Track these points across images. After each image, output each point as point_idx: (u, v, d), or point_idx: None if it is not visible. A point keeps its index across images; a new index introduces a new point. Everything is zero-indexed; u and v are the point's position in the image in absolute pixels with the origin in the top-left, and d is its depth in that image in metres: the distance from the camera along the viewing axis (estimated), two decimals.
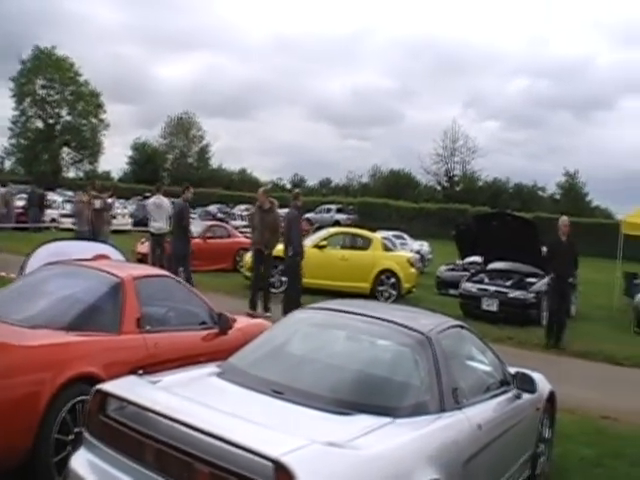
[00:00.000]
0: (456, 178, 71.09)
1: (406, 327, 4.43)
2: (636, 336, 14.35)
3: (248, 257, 15.49)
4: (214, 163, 78.96)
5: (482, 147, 71.42)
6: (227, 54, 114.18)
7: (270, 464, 2.91)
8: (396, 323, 4.49)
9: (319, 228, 19.74)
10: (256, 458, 2.95)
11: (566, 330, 12.45)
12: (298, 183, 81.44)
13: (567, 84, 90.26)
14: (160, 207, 14.75)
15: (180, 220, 13.32)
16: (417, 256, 21.95)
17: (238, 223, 31.66)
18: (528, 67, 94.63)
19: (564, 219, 12.69)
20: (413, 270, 16.70)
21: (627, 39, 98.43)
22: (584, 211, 60.18)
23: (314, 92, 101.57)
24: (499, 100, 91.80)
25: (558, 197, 70.08)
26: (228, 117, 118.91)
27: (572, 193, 69.12)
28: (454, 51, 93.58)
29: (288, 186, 79.81)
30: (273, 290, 14.88)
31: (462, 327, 5.09)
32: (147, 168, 71.92)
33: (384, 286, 15.69)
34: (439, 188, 70.93)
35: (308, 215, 45.83)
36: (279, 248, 13.15)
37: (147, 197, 25.20)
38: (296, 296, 12.59)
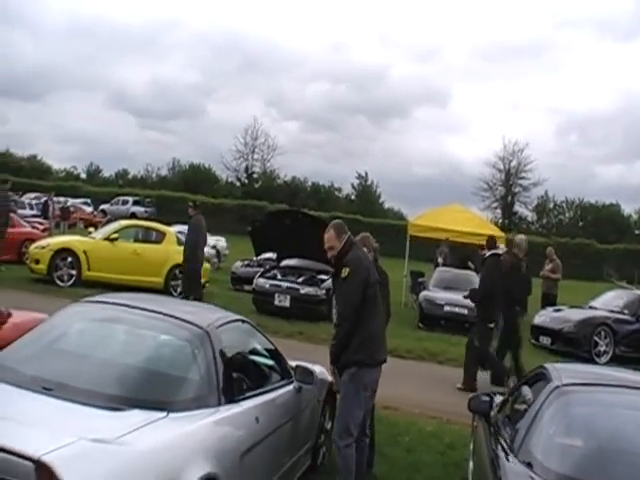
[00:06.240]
0: (255, 175, 71.75)
1: (185, 321, 4.40)
2: (419, 330, 15.23)
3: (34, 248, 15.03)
4: (1, 147, 73.75)
5: (282, 146, 72.54)
6: (20, 32, 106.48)
7: (31, 464, 2.78)
8: (176, 317, 4.45)
9: (110, 221, 19.07)
10: (17, 459, 2.80)
11: None
12: (93, 172, 78.45)
13: (365, 91, 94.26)
14: None
15: None
16: (213, 251, 21.94)
17: (27, 212, 29.89)
18: (328, 72, 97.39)
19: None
20: (207, 265, 16.61)
21: (420, 54, 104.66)
22: (377, 212, 63.08)
23: (114, 80, 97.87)
24: (300, 102, 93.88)
25: (353, 198, 72.85)
26: (19, 99, 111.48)
27: (365, 195, 72.17)
28: (258, 51, 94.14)
29: (83, 175, 76.59)
30: (61, 284, 14.37)
31: (243, 321, 5.15)
32: None
33: (177, 281, 15.39)
34: (238, 184, 71.20)
35: (103, 206, 44.39)
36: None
37: None
38: None
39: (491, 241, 10.82)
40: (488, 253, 10.72)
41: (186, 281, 13.84)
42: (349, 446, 5.13)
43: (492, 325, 10.23)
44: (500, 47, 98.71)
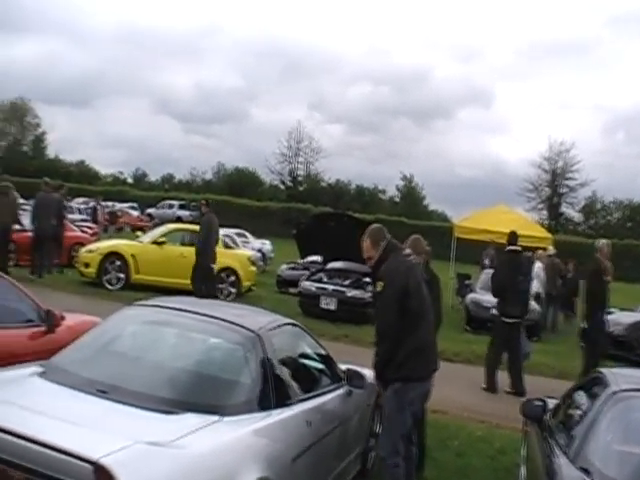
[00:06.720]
0: (300, 178, 71.99)
1: (237, 325, 4.41)
2: (467, 333, 15.11)
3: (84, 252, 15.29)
4: (50, 153, 75.20)
5: (326, 149, 72.80)
6: (67, 40, 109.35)
7: (89, 466, 2.81)
8: (227, 321, 4.46)
9: (157, 225, 19.33)
10: (75, 461, 2.83)
11: None
12: (139, 177, 79.60)
13: (407, 93, 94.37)
14: None
15: None
16: (258, 254, 22.04)
17: (76, 217, 30.33)
18: (370, 74, 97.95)
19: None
20: (253, 268, 16.73)
21: (462, 55, 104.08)
22: (421, 214, 62.77)
23: (158, 86, 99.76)
24: (343, 104, 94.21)
25: (397, 200, 72.63)
26: (67, 106, 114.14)
27: (410, 197, 71.89)
28: (300, 54, 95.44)
29: (130, 180, 77.72)
30: (110, 287, 14.60)
31: (294, 325, 5.15)
32: None
33: (224, 284, 15.48)
34: (283, 187, 71.53)
35: (150, 210, 44.94)
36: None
37: None
38: None
39: (511, 237, 10.74)
40: (507, 249, 10.65)
41: (196, 279, 13.84)
42: (397, 466, 4.96)
43: (509, 320, 10.05)
44: (543, 46, 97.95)
